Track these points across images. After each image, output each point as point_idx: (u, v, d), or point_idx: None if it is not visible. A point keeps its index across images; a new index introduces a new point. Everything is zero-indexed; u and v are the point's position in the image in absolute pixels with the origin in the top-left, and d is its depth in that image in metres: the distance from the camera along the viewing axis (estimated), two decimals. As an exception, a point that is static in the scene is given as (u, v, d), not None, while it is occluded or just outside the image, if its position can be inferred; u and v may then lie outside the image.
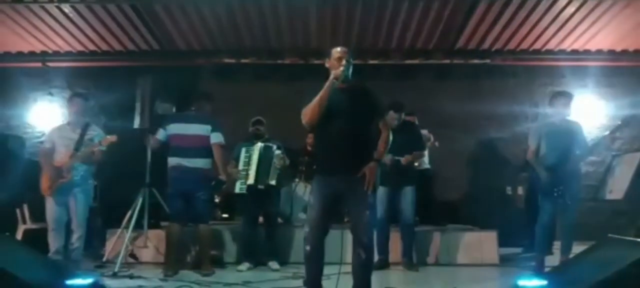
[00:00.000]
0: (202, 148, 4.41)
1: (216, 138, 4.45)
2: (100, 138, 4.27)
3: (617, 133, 4.26)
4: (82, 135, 4.28)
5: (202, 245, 4.52)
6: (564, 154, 4.26)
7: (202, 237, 4.50)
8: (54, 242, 4.17)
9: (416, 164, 5.57)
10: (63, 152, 4.22)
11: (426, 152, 5.91)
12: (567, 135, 4.32)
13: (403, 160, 4.52)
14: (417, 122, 5.89)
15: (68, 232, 4.28)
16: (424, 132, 5.93)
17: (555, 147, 4.30)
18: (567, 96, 4.48)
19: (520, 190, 6.64)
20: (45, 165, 4.22)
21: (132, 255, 4.93)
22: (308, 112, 2.96)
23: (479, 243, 5.20)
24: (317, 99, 2.93)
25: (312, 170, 3.39)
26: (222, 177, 4.51)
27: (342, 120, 2.95)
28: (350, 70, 3.05)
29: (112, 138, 4.25)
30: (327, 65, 3.10)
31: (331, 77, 2.93)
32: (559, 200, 4.21)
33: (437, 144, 6.03)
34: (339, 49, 3.09)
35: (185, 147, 4.41)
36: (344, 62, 2.99)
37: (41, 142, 5.77)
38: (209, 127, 4.45)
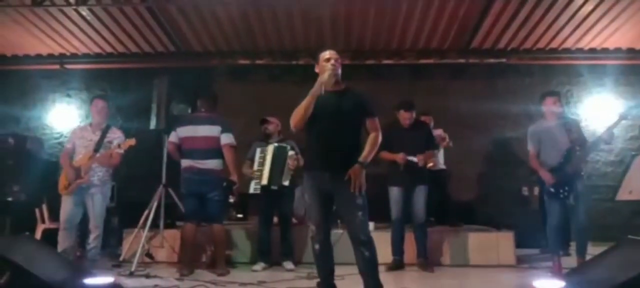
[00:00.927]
0: (213, 149, 4.42)
1: (226, 139, 4.45)
2: (120, 141, 4.31)
3: (616, 127, 4.17)
4: (102, 137, 4.33)
5: (216, 245, 4.54)
6: (564, 154, 4.20)
7: (216, 238, 4.51)
8: (63, 242, 4.20)
9: (431, 164, 5.55)
10: (82, 152, 4.28)
11: (441, 152, 5.88)
12: (564, 134, 4.25)
13: (418, 160, 4.49)
14: (432, 122, 5.89)
15: (86, 232, 4.33)
16: (439, 131, 5.91)
17: (555, 148, 4.25)
18: (554, 94, 4.45)
19: (537, 191, 6.55)
20: (65, 165, 4.28)
21: (149, 255, 4.96)
22: (294, 117, 3.00)
23: (496, 244, 5.14)
24: (303, 103, 2.96)
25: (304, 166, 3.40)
26: (233, 178, 4.48)
27: (330, 122, 2.97)
28: (339, 72, 3.06)
29: (131, 141, 4.28)
30: (316, 69, 3.12)
31: (317, 83, 2.94)
32: (565, 202, 4.16)
33: (451, 144, 5.97)
34: (327, 52, 3.11)
35: (196, 148, 4.45)
36: (332, 63, 3.02)
37: (61, 143, 5.86)
38: (219, 128, 4.47)
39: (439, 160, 5.92)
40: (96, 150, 4.26)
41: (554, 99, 4.37)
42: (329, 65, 3.01)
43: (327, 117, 2.97)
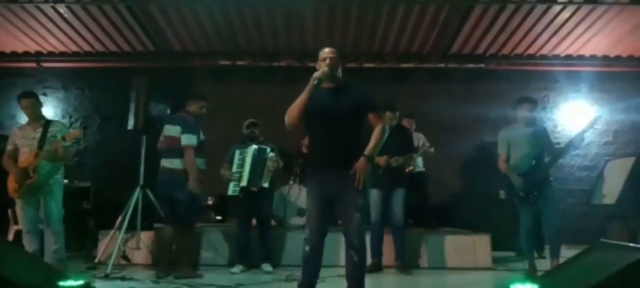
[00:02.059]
0: (176, 149, 4.31)
1: (185, 140, 4.28)
2: (63, 134, 4.09)
3: (587, 133, 4.24)
4: (44, 133, 4.14)
5: (178, 247, 4.39)
6: (533, 160, 4.24)
7: (178, 239, 4.38)
8: (29, 245, 4.05)
9: (410, 168, 5.60)
10: (27, 152, 4.10)
11: (420, 157, 5.91)
12: (533, 140, 4.31)
13: (393, 161, 4.52)
14: (414, 126, 5.96)
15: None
16: (421, 136, 5.97)
17: (524, 154, 4.29)
18: (531, 101, 4.46)
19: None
20: (9, 168, 4.09)
21: (125, 257, 4.89)
22: (289, 114, 2.97)
23: (472, 247, 5.19)
24: (297, 100, 2.95)
25: (307, 172, 3.38)
26: (191, 182, 4.24)
27: (330, 120, 2.95)
28: (339, 70, 3.05)
29: (76, 132, 4.10)
30: (317, 67, 3.11)
31: (312, 77, 2.94)
32: (534, 206, 4.22)
33: (432, 149, 6.03)
34: (326, 49, 3.10)
35: (165, 148, 4.43)
36: (327, 61, 3.00)
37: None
38: (179, 128, 4.34)
39: (418, 163, 5.96)
40: (41, 147, 4.08)
41: (529, 105, 4.41)
42: (324, 65, 3.00)
43: (329, 115, 2.94)
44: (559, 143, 6.00)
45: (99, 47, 6.92)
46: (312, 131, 3.05)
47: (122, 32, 6.54)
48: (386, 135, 3.11)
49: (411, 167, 5.70)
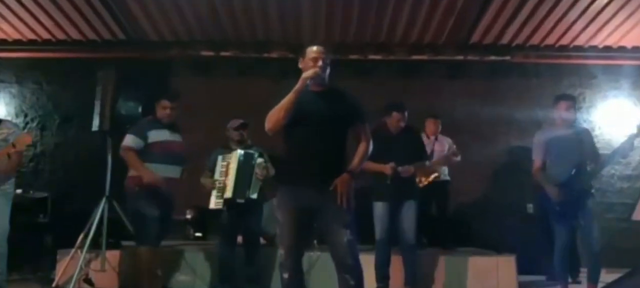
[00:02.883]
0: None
1: (124, 141, 4.45)
2: (15, 137, 4.02)
3: (636, 139, 4.21)
4: None
5: (136, 268, 4.45)
6: (573, 168, 4.22)
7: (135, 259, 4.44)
8: None
9: (436, 175, 5.68)
10: None
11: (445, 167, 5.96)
12: (574, 145, 4.29)
13: (403, 171, 4.48)
14: (440, 127, 6.05)
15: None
16: (447, 140, 6.03)
17: (563, 161, 4.26)
18: (570, 99, 4.46)
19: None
20: None
21: (87, 280, 4.82)
22: (272, 117, 2.95)
23: (495, 269, 5.15)
24: (283, 102, 2.93)
25: (277, 179, 3.41)
26: (145, 178, 4.34)
27: (313, 126, 2.95)
28: (327, 72, 3.07)
29: (27, 138, 4.04)
30: (300, 65, 3.11)
31: (302, 77, 2.93)
32: (572, 222, 4.19)
33: (458, 158, 6.02)
34: (315, 47, 3.09)
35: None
36: (320, 63, 3.00)
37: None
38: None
39: (444, 170, 6.00)
40: None
41: (567, 104, 4.39)
42: (316, 67, 2.98)
43: (309, 121, 2.95)
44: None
45: (60, 35, 6.88)
46: (290, 138, 3.03)
47: (86, 18, 6.50)
48: (369, 152, 3.10)
49: (437, 174, 5.76)
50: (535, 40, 6.90)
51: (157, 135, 4.46)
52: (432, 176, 5.77)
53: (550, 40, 6.90)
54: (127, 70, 5.64)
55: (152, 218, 4.30)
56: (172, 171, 4.50)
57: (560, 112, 4.40)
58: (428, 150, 5.91)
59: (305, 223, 3.00)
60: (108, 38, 7.00)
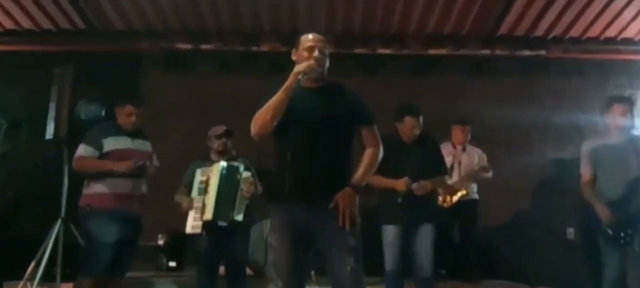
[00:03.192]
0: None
1: (76, 152, 4.46)
2: None
3: None
4: None
5: None
6: (630, 186, 4.19)
7: None
8: None
9: (464, 193, 5.70)
10: None
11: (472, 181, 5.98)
12: (630, 157, 4.27)
13: (418, 188, 4.45)
14: (469, 136, 6.10)
15: None
16: (477, 151, 6.06)
17: (617, 175, 4.25)
18: (624, 102, 4.45)
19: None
20: None
21: (39, 319, 4.81)
22: (258, 119, 2.91)
23: (529, 307, 5.14)
24: (271, 101, 2.89)
25: (268, 197, 3.39)
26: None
27: (308, 130, 2.91)
28: (326, 65, 3.03)
29: None
30: (294, 57, 3.08)
31: (294, 71, 2.90)
32: (627, 249, 4.16)
33: (490, 174, 6.07)
34: (310, 35, 3.05)
35: None
36: (316, 53, 2.97)
37: None
38: None
39: (472, 187, 6.02)
40: None
41: (623, 108, 4.37)
42: (311, 58, 2.96)
43: (302, 124, 2.92)
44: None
45: (8, 24, 6.89)
46: (282, 145, 3.00)
47: (41, 4, 6.52)
48: (378, 160, 3.07)
49: (464, 192, 5.79)
50: (575, 31, 6.91)
51: (115, 143, 4.42)
52: (459, 194, 5.78)
53: (594, 32, 6.91)
54: (88, 65, 5.67)
55: (104, 245, 4.22)
56: (136, 186, 4.44)
57: (614, 117, 4.38)
58: (454, 162, 5.94)
59: (305, 248, 2.97)
60: (66, 27, 6.99)
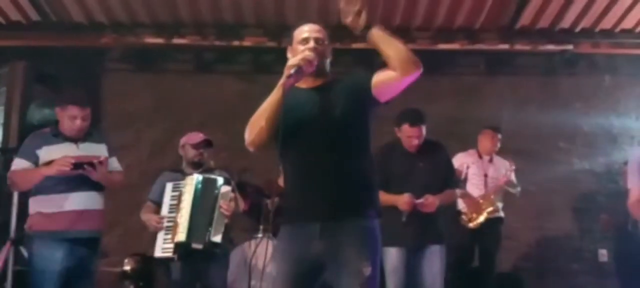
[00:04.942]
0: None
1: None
2: None
3: None
4: None
5: None
6: None
7: None
8: None
9: (490, 209, 5.80)
10: None
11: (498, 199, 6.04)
12: None
13: (426, 203, 4.47)
14: (498, 145, 6.13)
15: None
16: (505, 163, 6.13)
17: None
18: None
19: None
20: None
21: None
22: (253, 126, 2.86)
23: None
24: (264, 105, 2.84)
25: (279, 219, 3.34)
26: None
27: (315, 135, 2.86)
28: (327, 59, 3.00)
29: None
30: (289, 54, 3.04)
31: (287, 65, 2.86)
32: None
33: (518, 190, 6.13)
34: (305, 26, 3.01)
35: None
36: (311, 43, 2.94)
37: None
38: None
39: (499, 204, 6.07)
40: None
41: None
42: (305, 48, 2.94)
43: (307, 128, 2.87)
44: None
45: (-50, 15, 6.91)
46: (288, 157, 2.98)
47: (-13, -8, 6.54)
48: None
49: (491, 208, 5.87)
50: (607, 23, 6.95)
51: (52, 152, 4.28)
52: (486, 211, 5.80)
53: (628, 23, 6.96)
54: (43, 63, 5.64)
55: (46, 273, 4.18)
56: (81, 200, 4.32)
57: None
58: (480, 174, 5.97)
59: (310, 278, 2.90)
60: (17, 20, 7.02)
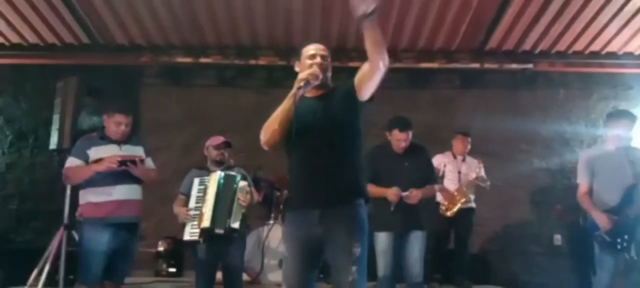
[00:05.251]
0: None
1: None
2: None
3: None
4: None
5: None
6: (626, 193, 4.22)
7: None
8: None
9: (464, 200, 5.83)
10: None
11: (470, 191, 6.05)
12: (628, 167, 4.29)
13: (410, 196, 4.45)
14: (469, 146, 6.15)
15: None
16: (475, 161, 6.11)
17: (614, 184, 4.28)
18: (628, 117, 4.47)
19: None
20: None
21: (41, 324, 4.78)
22: (268, 129, 2.91)
23: (518, 312, 5.12)
24: (278, 112, 2.89)
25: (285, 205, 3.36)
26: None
27: (315, 138, 2.90)
28: (329, 74, 3.03)
29: None
30: (296, 69, 3.07)
31: (297, 79, 2.89)
32: (622, 255, 4.17)
33: (487, 184, 6.13)
34: (312, 45, 3.06)
35: None
36: (318, 59, 2.98)
37: None
38: None
39: (471, 196, 6.09)
40: None
41: (627, 123, 4.42)
42: (313, 63, 2.95)
43: (311, 131, 2.90)
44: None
45: (14, 38, 6.89)
46: (294, 155, 2.99)
47: (46, 19, 6.51)
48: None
49: (464, 200, 5.88)
50: (561, 46, 6.94)
51: (100, 152, 4.30)
52: (460, 203, 5.82)
53: (579, 46, 6.94)
54: (91, 78, 5.65)
55: (94, 254, 4.18)
56: (124, 191, 4.32)
57: (618, 131, 4.41)
58: (454, 172, 5.99)
59: (314, 258, 2.94)
60: (70, 42, 7.00)
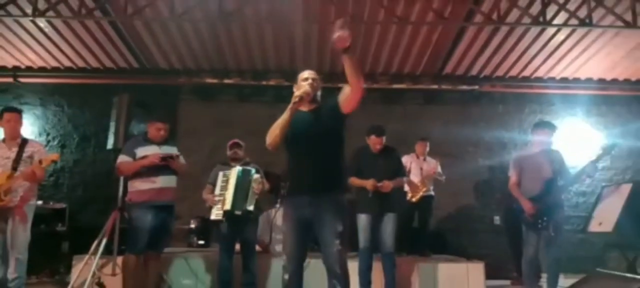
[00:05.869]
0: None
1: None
2: (41, 156, 4.06)
3: (599, 161, 4.27)
4: (19, 153, 4.05)
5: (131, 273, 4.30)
6: (546, 185, 4.26)
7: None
8: None
9: (424, 189, 5.86)
10: None
11: (430, 182, 6.07)
12: (547, 165, 4.33)
13: (383, 186, 4.47)
14: (427, 148, 6.16)
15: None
16: (433, 161, 6.12)
17: (537, 178, 4.31)
18: (549, 127, 4.51)
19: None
20: None
21: (100, 284, 4.75)
22: (271, 134, 2.97)
23: (466, 275, 5.13)
24: (279, 121, 2.95)
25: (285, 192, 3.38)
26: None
27: (306, 142, 2.95)
28: (318, 92, 3.06)
29: (54, 156, 4.09)
30: (294, 89, 3.09)
31: (294, 96, 2.93)
32: (543, 232, 4.20)
33: (443, 178, 6.14)
34: (306, 71, 3.11)
35: None
36: (309, 80, 3.02)
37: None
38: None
39: (430, 186, 6.09)
40: (15, 168, 3.98)
41: (548, 132, 4.44)
42: (305, 84, 2.99)
43: (304, 136, 2.95)
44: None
45: (80, 63, 6.87)
46: (291, 154, 3.04)
47: (104, 48, 6.51)
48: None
49: (425, 189, 5.94)
50: (500, 71, 6.98)
51: (144, 151, 4.30)
52: (422, 191, 5.87)
53: (514, 72, 6.98)
54: (139, 95, 5.64)
55: (140, 229, 4.16)
56: (163, 181, 4.28)
57: (541, 137, 4.44)
58: (417, 168, 6.03)
59: (305, 233, 2.97)
60: (123, 66, 7.01)
